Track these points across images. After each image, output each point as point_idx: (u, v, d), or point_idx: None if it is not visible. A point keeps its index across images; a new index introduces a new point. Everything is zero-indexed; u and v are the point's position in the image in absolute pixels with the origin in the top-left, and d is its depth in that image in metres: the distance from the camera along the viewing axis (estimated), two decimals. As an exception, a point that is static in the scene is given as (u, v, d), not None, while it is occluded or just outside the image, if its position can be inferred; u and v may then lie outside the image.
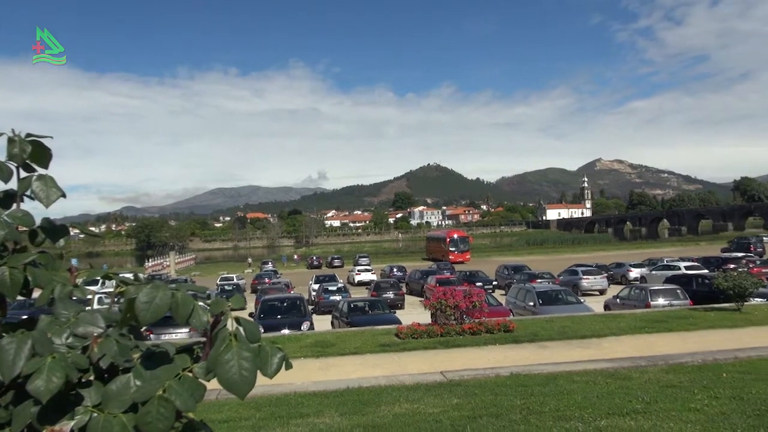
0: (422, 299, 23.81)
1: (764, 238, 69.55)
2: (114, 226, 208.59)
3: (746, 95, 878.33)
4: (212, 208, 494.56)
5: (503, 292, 29.91)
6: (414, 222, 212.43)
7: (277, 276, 43.86)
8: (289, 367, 0.96)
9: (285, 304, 20.67)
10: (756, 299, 19.14)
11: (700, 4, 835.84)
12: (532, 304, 20.51)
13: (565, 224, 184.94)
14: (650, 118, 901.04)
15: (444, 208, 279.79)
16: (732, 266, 28.73)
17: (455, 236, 66.20)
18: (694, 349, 11.73)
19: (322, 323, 21.38)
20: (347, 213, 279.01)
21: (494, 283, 35.00)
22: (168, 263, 68.19)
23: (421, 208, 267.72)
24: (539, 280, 29.21)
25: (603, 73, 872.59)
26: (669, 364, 10.25)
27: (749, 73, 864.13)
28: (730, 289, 16.81)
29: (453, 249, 63.17)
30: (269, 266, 57.54)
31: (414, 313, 22.36)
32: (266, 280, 39.45)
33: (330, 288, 28.86)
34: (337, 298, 25.73)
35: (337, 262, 64.33)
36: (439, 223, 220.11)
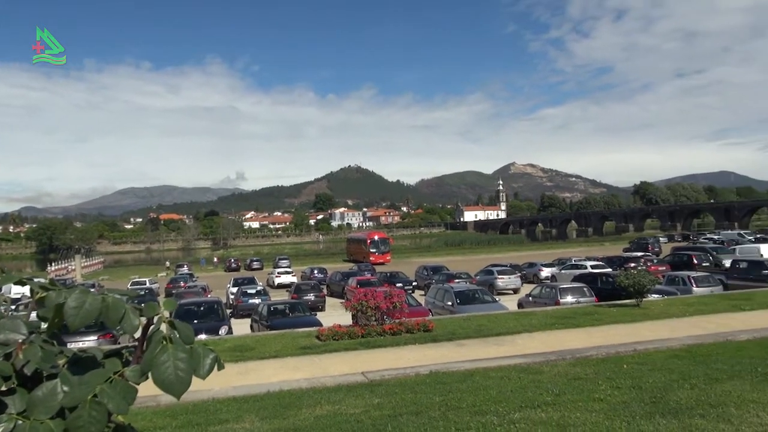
0: (343, 301, 23.84)
1: (660, 239, 75.05)
2: (12, 227, 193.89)
3: (647, 106, 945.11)
4: (122, 209, 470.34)
5: (423, 292, 30.49)
6: (335, 223, 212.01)
7: (193, 279, 42.42)
8: (221, 367, 0.98)
9: (202, 309, 20.08)
10: (653, 295, 20.61)
11: (606, 19, 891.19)
12: (450, 303, 21.04)
13: (481, 225, 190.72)
14: (560, 125, 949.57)
15: (365, 209, 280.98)
16: (632, 265, 30.73)
17: (376, 238, 66.66)
18: (598, 343, 12.49)
19: (241, 327, 20.92)
20: (267, 214, 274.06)
21: (414, 283, 35.57)
22: (73, 267, 64.18)
23: (342, 209, 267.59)
24: (457, 280, 29.98)
25: (517, 80, 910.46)
26: (576, 357, 10.87)
27: (649, 85, 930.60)
28: (630, 286, 18.00)
29: (374, 250, 63.58)
30: (185, 269, 55.56)
31: (335, 315, 22.36)
32: (181, 283, 38.07)
33: (249, 291, 28.28)
34: (257, 301, 25.25)
35: (256, 265, 63.09)
36: (360, 224, 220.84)
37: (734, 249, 38.31)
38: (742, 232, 74.91)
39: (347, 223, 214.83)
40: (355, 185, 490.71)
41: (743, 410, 6.46)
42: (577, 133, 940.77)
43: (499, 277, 32.78)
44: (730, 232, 73.79)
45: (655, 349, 11.29)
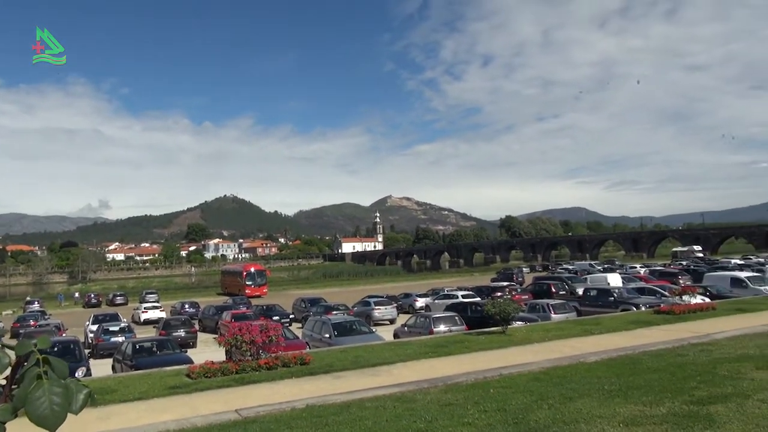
0: (216, 336, 22.88)
1: (524, 269, 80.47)
2: None
3: (510, 145, 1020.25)
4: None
5: (300, 325, 30.11)
6: (209, 255, 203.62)
7: (46, 317, 38.46)
8: (94, 402, 0.99)
9: (55, 349, 18.26)
10: (517, 322, 22.03)
11: (475, 64, 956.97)
12: (327, 335, 21.00)
13: (359, 257, 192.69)
14: (433, 161, 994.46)
15: (241, 240, 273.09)
16: (499, 294, 32.70)
17: (252, 270, 64.98)
18: (468, 369, 13.08)
19: (102, 368, 19.32)
20: (133, 245, 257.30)
21: (291, 316, 35.07)
22: None
23: (216, 240, 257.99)
24: (335, 312, 29.99)
25: (394, 117, 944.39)
26: (447, 384, 11.31)
27: (512, 126, 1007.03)
28: (497, 314, 19.09)
29: (250, 283, 61.85)
30: (35, 306, 50.23)
31: (207, 351, 21.39)
32: (31, 322, 34.37)
33: (111, 328, 26.24)
34: (120, 339, 23.48)
35: (120, 300, 58.66)
36: (236, 256, 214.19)
37: (586, 278, 42.03)
38: (592, 262, 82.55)
39: (222, 255, 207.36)
40: (231, 216, 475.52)
41: (591, 425, 7.12)
42: (449, 169, 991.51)
43: (376, 308, 33.27)
44: (582, 262, 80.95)
45: (518, 373, 12.06)
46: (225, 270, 79.99)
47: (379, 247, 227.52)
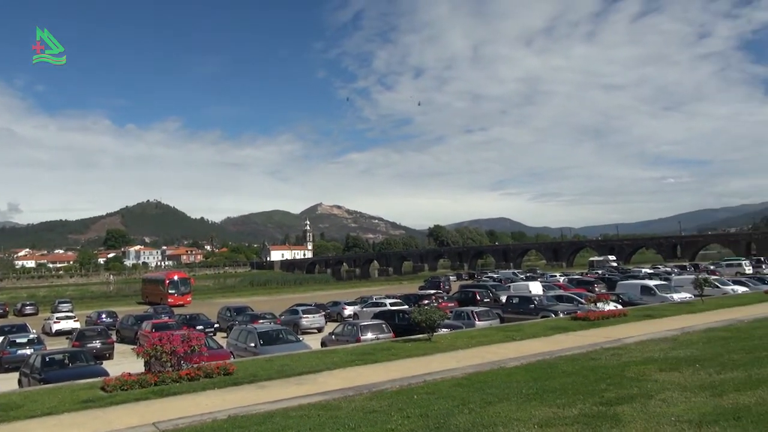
0: (135, 347, 21.97)
1: (451, 277, 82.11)
2: None
3: (440, 156, 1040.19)
4: None
5: (225, 334, 29.39)
6: (129, 263, 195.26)
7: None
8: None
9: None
10: (443, 330, 22.47)
11: (407, 75, 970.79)
12: (253, 345, 20.62)
13: (288, 265, 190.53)
14: (365, 170, 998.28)
15: (164, 247, 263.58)
16: (426, 302, 33.22)
17: (175, 278, 62.86)
18: (394, 376, 13.22)
19: (8, 383, 18.08)
20: (46, 252, 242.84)
21: (216, 325, 34.23)
22: None
23: (137, 247, 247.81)
24: (261, 321, 29.51)
25: (326, 125, 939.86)
26: (372, 392, 11.39)
27: (442, 137, 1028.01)
28: (423, 322, 19.38)
29: (173, 291, 59.83)
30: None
31: (125, 363, 20.44)
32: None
33: (18, 340, 24.65)
34: (28, 351, 22.06)
35: (29, 309, 55.17)
36: (159, 263, 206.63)
37: (509, 286, 43.48)
38: (516, 271, 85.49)
39: (143, 263, 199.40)
40: (154, 222, 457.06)
41: (509, 428, 7.39)
42: (380, 178, 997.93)
43: (304, 316, 33.05)
44: (506, 271, 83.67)
45: (442, 379, 12.31)
46: (146, 278, 77.04)
47: (309, 255, 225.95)
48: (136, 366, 16.17)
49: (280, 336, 21.65)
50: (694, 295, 30.08)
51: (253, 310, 36.85)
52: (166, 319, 32.68)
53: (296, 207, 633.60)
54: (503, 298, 34.72)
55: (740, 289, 35.50)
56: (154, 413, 10.73)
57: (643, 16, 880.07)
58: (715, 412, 7.13)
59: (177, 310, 44.89)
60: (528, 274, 69.33)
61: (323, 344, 23.76)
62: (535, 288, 38.75)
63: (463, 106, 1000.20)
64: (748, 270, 57.61)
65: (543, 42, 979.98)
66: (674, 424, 6.74)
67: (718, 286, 34.86)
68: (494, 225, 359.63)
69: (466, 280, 79.12)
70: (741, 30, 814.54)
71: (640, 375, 10.59)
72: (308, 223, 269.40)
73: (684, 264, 76.16)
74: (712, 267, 62.85)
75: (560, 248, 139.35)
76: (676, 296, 31.62)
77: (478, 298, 37.90)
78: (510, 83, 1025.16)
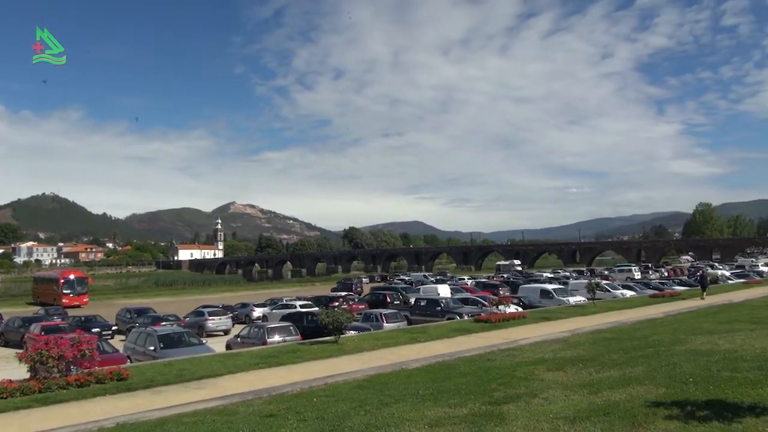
0: (20, 351, 20.48)
1: (363, 279, 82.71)
2: None
3: (357, 159, 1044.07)
4: None
5: (125, 337, 28.02)
6: (20, 260, 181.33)
7: None
8: None
9: None
10: (351, 332, 22.62)
11: (327, 75, 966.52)
12: (152, 348, 19.79)
13: (197, 265, 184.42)
14: (281, 169, 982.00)
15: (61, 244, 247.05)
16: (336, 304, 33.28)
17: (71, 277, 59.11)
18: (297, 379, 13.18)
19: None
20: None
21: (114, 328, 32.55)
22: None
23: (30, 243, 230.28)
24: (163, 323, 28.37)
25: (242, 121, 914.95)
26: (272, 395, 11.31)
27: (359, 140, 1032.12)
28: (330, 324, 19.43)
29: (68, 291, 56.21)
30: None
31: (8, 369, 18.97)
32: None
33: None
34: None
35: None
36: (54, 261, 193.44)
37: (419, 289, 44.42)
38: (427, 273, 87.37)
39: (36, 260, 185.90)
40: (50, 216, 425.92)
41: (401, 428, 7.61)
42: (296, 178, 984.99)
43: (210, 318, 32.13)
44: (418, 274, 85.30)
45: (344, 381, 12.43)
46: (38, 277, 71.92)
47: (219, 255, 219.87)
48: (20, 372, 15.09)
49: (183, 339, 20.93)
50: (588, 299, 32.10)
51: (155, 312, 35.37)
52: (58, 321, 30.67)
53: (208, 205, 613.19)
54: (412, 301, 35.39)
55: (628, 293, 38.28)
56: (35, 422, 10.10)
57: (553, 34, 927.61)
58: (589, 409, 7.69)
59: (72, 312, 42.27)
60: (438, 277, 71.09)
61: (228, 347, 23.19)
62: (444, 291, 39.83)
63: (381, 109, 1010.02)
64: (637, 275, 62.23)
65: (459, 52, 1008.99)
66: (552, 421, 7.21)
67: (608, 290, 37.39)
68: (408, 228, 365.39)
69: (379, 282, 79.89)
70: (639, 53, 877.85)
71: (529, 375, 11.20)
72: (220, 222, 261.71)
73: (582, 269, 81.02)
74: (605, 272, 67.30)
75: (470, 252, 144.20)
76: (572, 299, 33.63)
77: (389, 300, 38.38)
78: (427, 90, 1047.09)
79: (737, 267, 67.63)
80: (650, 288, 40.69)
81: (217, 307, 37.51)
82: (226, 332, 31.35)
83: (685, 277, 53.38)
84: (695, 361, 10.90)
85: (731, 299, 29.21)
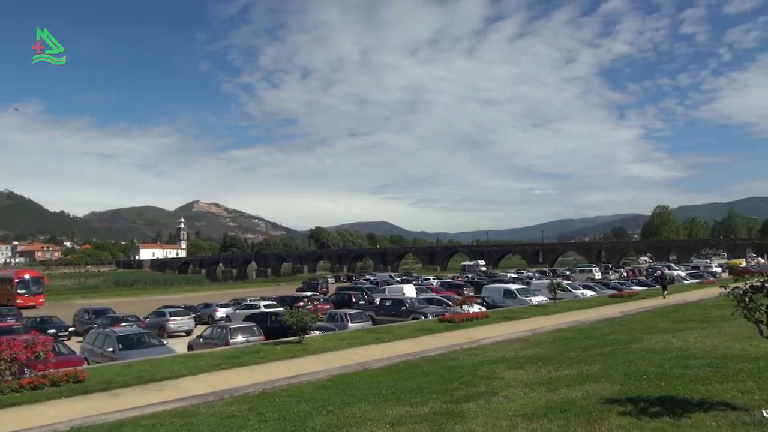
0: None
1: (329, 279, 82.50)
2: None
3: (323, 158, 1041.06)
4: None
5: (82, 338, 27.30)
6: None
7: None
8: None
9: None
10: (315, 332, 22.54)
11: (294, 74, 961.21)
12: (111, 350, 19.33)
13: (159, 264, 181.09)
14: (247, 167, 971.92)
15: (16, 243, 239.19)
16: (301, 304, 33.08)
17: (26, 277, 57.27)
18: (260, 380, 13.08)
19: None
20: None
21: (71, 329, 31.69)
22: None
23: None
24: (123, 324, 27.75)
25: (208, 119, 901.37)
26: (234, 396, 11.20)
27: (327, 140, 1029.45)
28: (294, 324, 19.35)
29: (22, 291, 54.46)
30: None
31: (-43, 372, 18.31)
32: None
33: None
34: None
35: None
36: (8, 260, 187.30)
37: (385, 289, 44.53)
38: (392, 274, 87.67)
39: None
40: (5, 214, 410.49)
41: (362, 427, 7.63)
42: (263, 177, 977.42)
43: (171, 318, 31.60)
44: (383, 274, 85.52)
45: (307, 382, 12.39)
46: (-9, 276, 69.32)
47: (183, 254, 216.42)
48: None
49: (143, 340, 20.52)
50: (549, 299, 32.70)
51: (114, 312, 34.59)
52: (11, 322, 29.71)
53: (171, 203, 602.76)
54: (378, 301, 35.43)
55: (589, 293, 39.14)
56: (-15, 427, 9.77)
57: (519, 38, 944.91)
58: (547, 406, 7.85)
59: (27, 313, 41.02)
60: (404, 277, 71.35)
61: (190, 348, 22.84)
62: (409, 291, 40.04)
63: (348, 109, 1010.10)
64: (598, 276, 63.71)
65: (428, 53, 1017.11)
66: (510, 418, 7.34)
67: (570, 290, 38.17)
68: (375, 228, 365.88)
69: (345, 282, 79.75)
70: (601, 59, 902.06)
71: (491, 373, 11.37)
72: (183, 220, 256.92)
73: (544, 269, 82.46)
74: (567, 273, 68.63)
75: (436, 252, 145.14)
76: (534, 299, 34.22)
77: (354, 300, 38.36)
78: (395, 91, 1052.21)
79: (692, 268, 69.84)
80: (610, 288, 41.69)
81: (179, 307, 36.89)
82: (188, 333, 30.88)
83: (643, 278, 54.90)
84: (649, 359, 11.23)
85: (686, 299, 30.17)
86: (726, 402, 7.23)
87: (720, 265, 71.85)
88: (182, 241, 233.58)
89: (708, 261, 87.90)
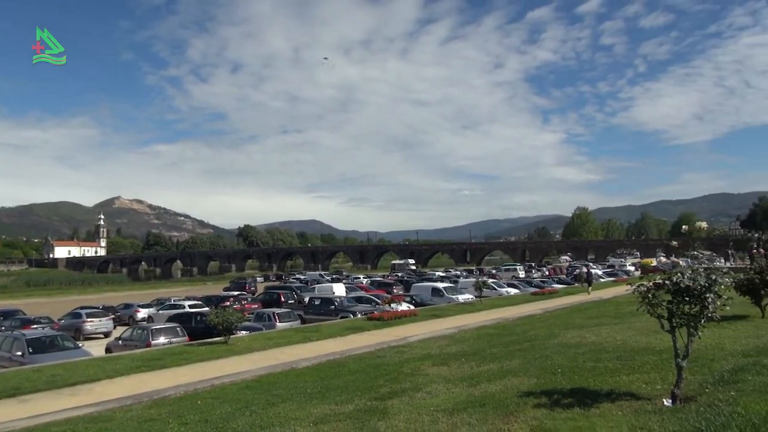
0: None
1: (258, 279, 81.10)
2: None
3: (253, 155, 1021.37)
4: None
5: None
6: None
7: None
8: None
9: None
10: (242, 332, 22.14)
11: (224, 68, 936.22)
12: (20, 353, 18.25)
13: (76, 263, 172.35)
14: (173, 162, 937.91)
15: None
16: (227, 304, 32.39)
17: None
18: (182, 382, 12.72)
19: None
20: None
21: (-26, 332, 29.54)
22: None
23: None
24: (34, 326, 26.26)
25: (131, 111, 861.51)
26: (154, 399, 10.84)
27: (256, 136, 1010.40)
28: (219, 324, 18.94)
29: None
30: None
31: None
32: None
33: None
34: None
35: None
36: None
37: (314, 288, 44.28)
38: (323, 272, 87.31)
39: None
40: None
41: (285, 427, 7.60)
42: (189, 173, 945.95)
43: (88, 320, 30.20)
44: (314, 273, 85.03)
45: (231, 383, 12.17)
46: None
47: (102, 252, 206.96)
48: None
49: (56, 343, 19.51)
50: (475, 297, 33.60)
51: (24, 314, 32.65)
52: None
53: (89, 199, 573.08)
54: (307, 300, 35.21)
55: (513, 291, 40.52)
56: None
57: (450, 41, 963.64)
58: (467, 401, 8.10)
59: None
60: (334, 276, 71.22)
61: (108, 350, 21.95)
62: (339, 289, 40.01)
63: (280, 106, 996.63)
64: (522, 274, 65.98)
65: (361, 53, 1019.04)
66: (432, 413, 7.52)
67: (495, 288, 39.41)
68: (305, 227, 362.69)
69: (274, 281, 78.69)
70: (527, 65, 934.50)
71: (415, 370, 11.58)
72: (102, 217, 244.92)
73: (472, 268, 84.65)
74: (493, 271, 70.76)
75: (366, 251, 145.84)
76: (461, 297, 35.05)
77: (283, 299, 37.94)
78: (327, 89, 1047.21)
79: (608, 266, 73.66)
80: (532, 286, 43.33)
81: (97, 308, 35.29)
82: (107, 335, 29.68)
83: (564, 276, 57.41)
84: (565, 354, 11.78)
85: (602, 296, 31.78)
86: (632, 392, 7.71)
87: (633, 264, 76.16)
88: (102, 239, 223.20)
89: (623, 260, 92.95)
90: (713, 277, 6.92)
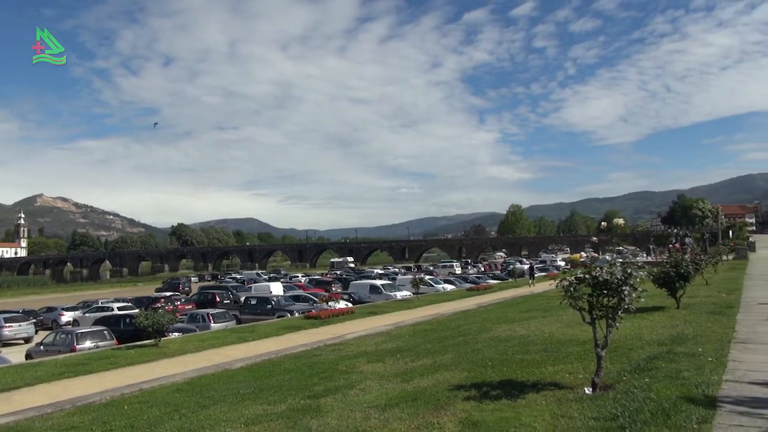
0: None
1: (192, 278, 78.97)
2: None
3: (188, 151, 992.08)
4: None
5: None
6: None
7: None
8: None
9: None
10: (174, 334, 21.52)
11: (156, 62, 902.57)
12: (-72, 363, 17.04)
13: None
14: (101, 159, 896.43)
15: None
16: (158, 305, 31.36)
17: None
18: (108, 387, 12.24)
19: None
20: None
21: None
22: None
23: None
24: (-55, 334, 24.56)
25: (55, 104, 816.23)
26: (77, 406, 10.38)
27: (192, 132, 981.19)
28: (149, 326, 18.32)
29: None
30: None
31: None
32: None
33: None
34: None
35: None
36: None
37: (251, 287, 43.55)
38: (260, 271, 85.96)
39: None
40: None
41: (216, 430, 7.47)
42: (119, 170, 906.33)
43: (6, 325, 28.61)
44: (251, 272, 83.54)
45: (161, 386, 11.81)
46: None
47: (22, 253, 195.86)
48: None
49: (-31, 350, 18.31)
50: (413, 293, 34.01)
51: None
52: None
53: (8, 197, 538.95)
54: (243, 299, 34.60)
55: (449, 287, 41.25)
56: None
57: (389, 40, 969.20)
58: (400, 396, 8.22)
59: None
60: (271, 275, 70.29)
61: (28, 356, 20.85)
62: (276, 288, 39.54)
63: (215, 101, 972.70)
64: (458, 270, 67.30)
65: (298, 49, 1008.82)
66: (365, 409, 7.58)
67: (432, 285, 40.01)
68: (242, 225, 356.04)
69: (209, 281, 76.81)
70: (464, 65, 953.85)
71: (350, 367, 11.62)
72: (23, 216, 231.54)
73: (410, 265, 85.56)
74: (431, 268, 71.79)
75: (305, 250, 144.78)
76: (399, 294, 35.41)
77: (218, 299, 37.15)
78: (264, 84, 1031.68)
79: (540, 262, 76.22)
80: (468, 282, 44.31)
81: (17, 312, 33.35)
82: (27, 340, 28.25)
83: (498, 272, 58.95)
84: (495, 347, 12.14)
85: (533, 291, 32.89)
86: (556, 382, 8.05)
87: (563, 259, 79.10)
88: (22, 239, 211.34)
89: (554, 255, 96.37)
90: (629, 271, 7.32)
